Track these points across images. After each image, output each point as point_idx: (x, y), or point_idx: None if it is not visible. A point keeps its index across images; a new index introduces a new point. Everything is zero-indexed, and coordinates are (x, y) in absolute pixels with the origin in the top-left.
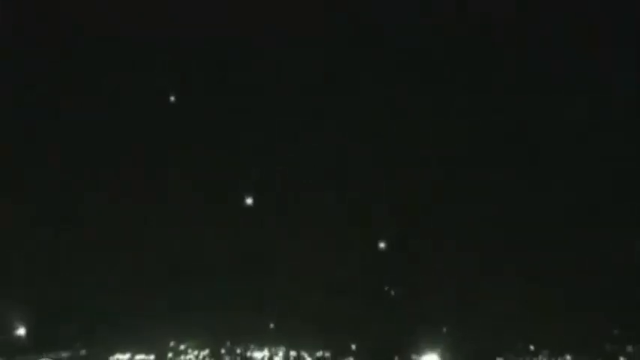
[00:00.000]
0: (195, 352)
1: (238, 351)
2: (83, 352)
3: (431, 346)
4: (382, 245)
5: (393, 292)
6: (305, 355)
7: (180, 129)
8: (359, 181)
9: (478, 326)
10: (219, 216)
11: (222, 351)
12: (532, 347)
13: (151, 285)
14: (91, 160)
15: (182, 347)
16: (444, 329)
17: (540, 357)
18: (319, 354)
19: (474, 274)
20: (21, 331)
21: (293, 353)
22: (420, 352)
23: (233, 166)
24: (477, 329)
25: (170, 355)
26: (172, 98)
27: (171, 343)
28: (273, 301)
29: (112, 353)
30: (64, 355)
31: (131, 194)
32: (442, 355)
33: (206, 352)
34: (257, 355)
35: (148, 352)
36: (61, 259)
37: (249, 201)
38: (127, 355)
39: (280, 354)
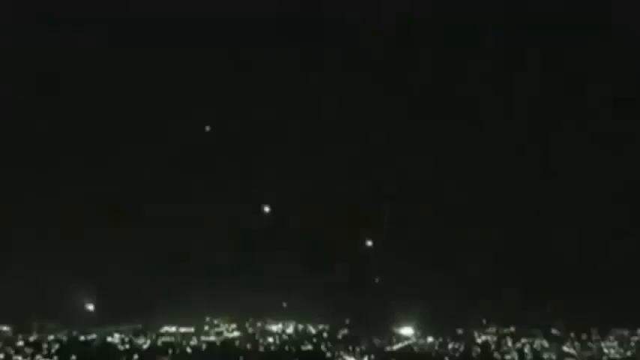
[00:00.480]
0: (226, 325)
1: (259, 324)
2: (139, 325)
3: (407, 320)
4: (370, 243)
5: (378, 280)
6: (310, 327)
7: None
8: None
9: (444, 305)
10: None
11: (247, 324)
12: (484, 321)
13: (194, 275)
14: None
15: (215, 322)
16: (418, 308)
17: (490, 328)
18: (321, 327)
19: (440, 268)
20: (90, 307)
21: (301, 326)
22: (398, 324)
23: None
24: (443, 307)
25: (206, 327)
26: (208, 128)
27: (207, 319)
28: (285, 288)
29: (162, 326)
30: (124, 327)
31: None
32: (416, 327)
33: (234, 325)
34: (273, 327)
35: (189, 325)
36: (124, 250)
37: (267, 209)
38: (174, 328)
39: (291, 327)
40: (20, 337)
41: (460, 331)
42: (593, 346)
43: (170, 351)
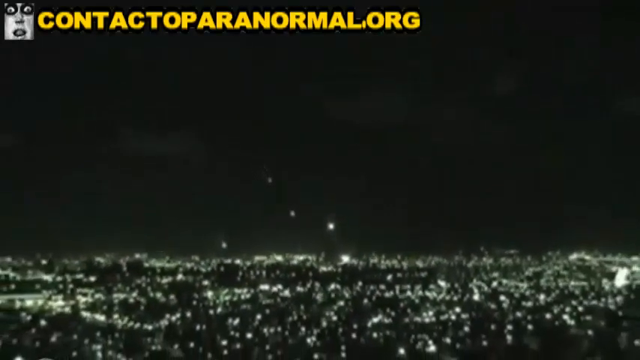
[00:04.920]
0: (278, 257)
1: (289, 256)
2: (246, 255)
3: (345, 253)
4: (331, 226)
5: (334, 239)
6: (309, 257)
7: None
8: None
9: (358, 247)
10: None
11: (285, 255)
12: (373, 253)
13: (266, 236)
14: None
15: (273, 254)
16: (349, 249)
17: (376, 255)
18: (313, 257)
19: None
20: (224, 245)
21: (305, 256)
22: (342, 255)
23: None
24: (357, 248)
25: (269, 257)
26: (270, 179)
27: (270, 253)
28: (299, 243)
29: (254, 257)
30: (240, 256)
31: None
32: (348, 256)
33: (280, 256)
34: (295, 257)
35: (264, 256)
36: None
37: (292, 213)
38: (258, 257)
39: (302, 257)
40: (196, 262)
41: (364, 257)
42: (428, 262)
43: (258, 265)
